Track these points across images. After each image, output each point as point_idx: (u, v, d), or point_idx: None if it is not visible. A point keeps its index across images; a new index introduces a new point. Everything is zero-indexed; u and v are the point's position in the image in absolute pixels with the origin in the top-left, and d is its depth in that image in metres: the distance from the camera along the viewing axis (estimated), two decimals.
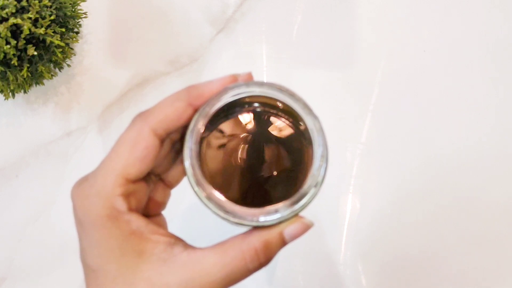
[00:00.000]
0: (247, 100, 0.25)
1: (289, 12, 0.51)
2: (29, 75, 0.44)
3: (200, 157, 0.24)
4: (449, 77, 0.49)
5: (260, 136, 0.26)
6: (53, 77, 0.48)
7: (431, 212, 0.46)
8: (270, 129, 0.26)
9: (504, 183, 0.46)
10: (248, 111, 0.26)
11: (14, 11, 0.39)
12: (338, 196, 0.46)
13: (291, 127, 0.26)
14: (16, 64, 0.41)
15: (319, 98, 0.49)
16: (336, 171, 0.47)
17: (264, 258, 0.23)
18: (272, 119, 0.26)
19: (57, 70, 0.49)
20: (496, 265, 0.45)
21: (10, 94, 0.45)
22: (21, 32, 0.40)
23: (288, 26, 0.51)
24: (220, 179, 0.25)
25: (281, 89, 0.24)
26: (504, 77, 0.49)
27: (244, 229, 0.25)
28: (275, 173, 0.25)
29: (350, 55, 0.50)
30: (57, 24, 0.44)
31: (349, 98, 0.49)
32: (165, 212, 0.29)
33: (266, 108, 0.26)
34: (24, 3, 0.40)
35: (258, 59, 0.50)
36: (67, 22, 0.45)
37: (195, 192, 0.23)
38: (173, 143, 0.27)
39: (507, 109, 0.48)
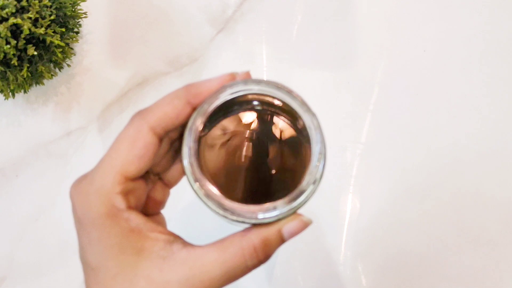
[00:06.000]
0: (245, 98, 0.25)
1: (289, 12, 0.51)
2: (29, 75, 0.44)
3: (199, 155, 0.24)
4: (449, 77, 0.49)
5: (258, 134, 0.26)
6: (53, 77, 0.48)
7: (431, 212, 0.46)
8: (268, 126, 0.26)
9: (503, 183, 0.46)
10: (246, 109, 0.26)
11: (14, 11, 0.39)
12: (338, 196, 0.46)
13: (289, 125, 0.26)
14: (16, 64, 0.42)
15: (319, 98, 0.49)
16: (336, 171, 0.47)
17: (263, 255, 0.23)
18: (270, 117, 0.26)
19: (57, 70, 0.49)
20: (496, 264, 0.44)
21: (10, 94, 0.46)
22: (21, 32, 0.40)
23: (288, 26, 0.51)
24: (219, 177, 0.25)
25: (278, 86, 0.24)
26: (504, 77, 0.49)
27: (242, 227, 0.25)
28: (273, 171, 0.25)
29: (350, 55, 0.50)
30: (57, 24, 0.44)
31: (349, 98, 0.49)
32: (163, 211, 0.29)
33: (264, 106, 0.26)
34: (24, 3, 0.40)
35: (258, 59, 0.50)
36: (67, 22, 0.45)
37: (193, 190, 0.23)
38: (171, 141, 0.27)
39: (506, 108, 0.48)
